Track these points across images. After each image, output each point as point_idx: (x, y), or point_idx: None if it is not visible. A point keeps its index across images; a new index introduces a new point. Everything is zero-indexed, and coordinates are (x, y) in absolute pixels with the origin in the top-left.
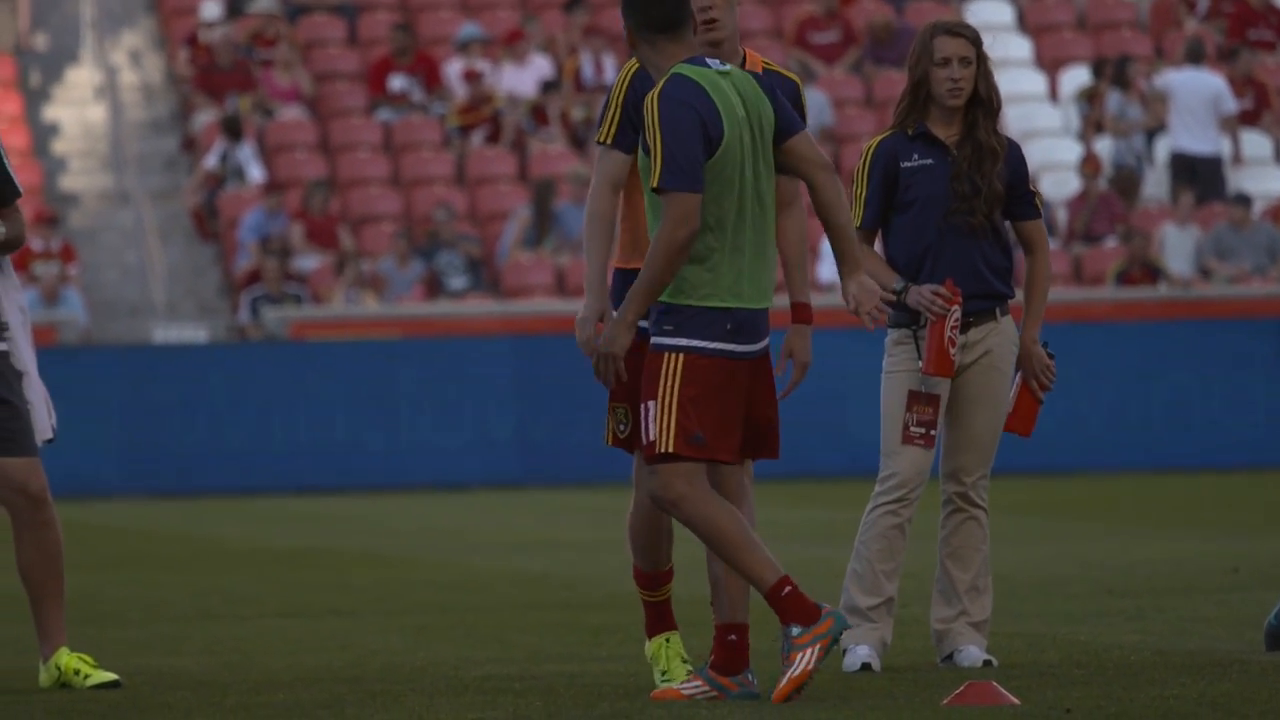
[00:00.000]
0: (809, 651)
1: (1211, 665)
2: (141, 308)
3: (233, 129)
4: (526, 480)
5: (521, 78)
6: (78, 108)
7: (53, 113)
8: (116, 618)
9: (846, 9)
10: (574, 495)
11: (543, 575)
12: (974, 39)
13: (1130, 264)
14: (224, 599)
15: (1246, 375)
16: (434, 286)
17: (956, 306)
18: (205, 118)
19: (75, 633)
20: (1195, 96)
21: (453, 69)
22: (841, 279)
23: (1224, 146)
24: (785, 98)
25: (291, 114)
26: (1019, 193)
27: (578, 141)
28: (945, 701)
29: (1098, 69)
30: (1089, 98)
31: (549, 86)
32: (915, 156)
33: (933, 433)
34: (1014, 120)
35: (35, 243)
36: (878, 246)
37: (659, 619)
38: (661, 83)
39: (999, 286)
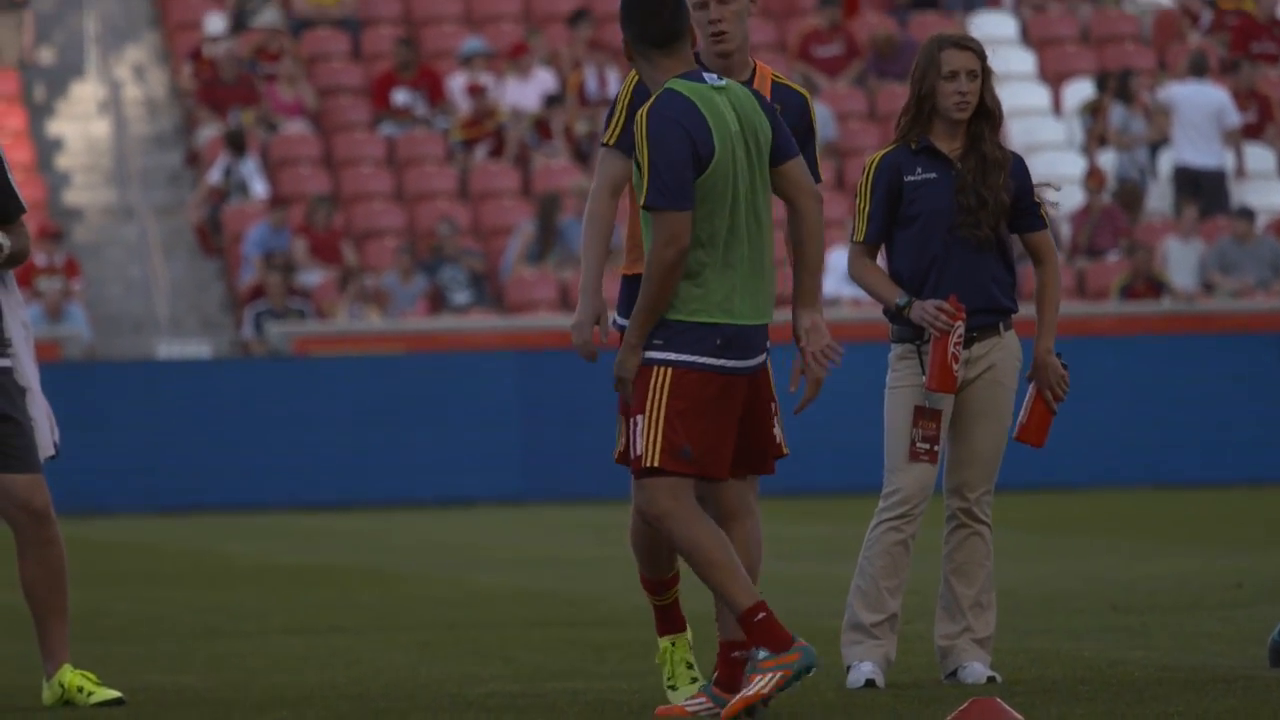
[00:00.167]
0: (768, 676)
1: (1215, 681)
2: (145, 323)
3: (236, 143)
4: (530, 496)
5: (525, 92)
6: (82, 122)
7: (57, 127)
8: (120, 634)
9: (850, 22)
10: (578, 511)
11: (547, 592)
12: (980, 52)
13: (1134, 278)
14: (228, 616)
15: (1250, 390)
16: (437, 301)
17: (960, 322)
18: (209, 132)
19: (79, 650)
20: (1199, 110)
21: (456, 83)
22: (794, 312)
23: (1228, 160)
24: (794, 111)
25: (295, 128)
26: (1024, 205)
27: (582, 156)
28: (949, 718)
29: (1101, 82)
30: (1092, 111)
31: (553, 101)
32: (919, 170)
33: (936, 448)
34: (1017, 134)
35: (39, 258)
36: (881, 261)
37: (666, 621)
38: (653, 99)
39: (1003, 301)
